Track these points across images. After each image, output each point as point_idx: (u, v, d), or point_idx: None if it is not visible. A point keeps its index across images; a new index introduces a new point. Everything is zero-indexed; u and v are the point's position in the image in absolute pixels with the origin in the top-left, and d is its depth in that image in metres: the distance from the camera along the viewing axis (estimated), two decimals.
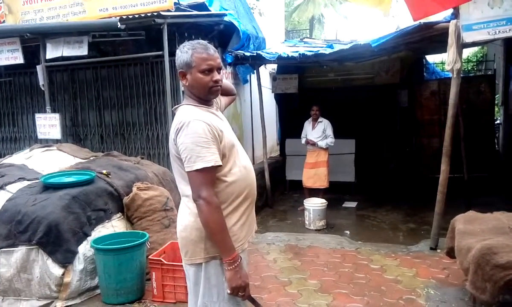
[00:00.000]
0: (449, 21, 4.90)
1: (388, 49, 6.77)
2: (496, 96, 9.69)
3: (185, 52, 2.05)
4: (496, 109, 10.31)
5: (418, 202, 7.52)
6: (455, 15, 4.41)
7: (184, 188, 2.05)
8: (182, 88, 6.53)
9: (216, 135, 1.99)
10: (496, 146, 9.91)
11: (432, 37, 5.96)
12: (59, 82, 7.09)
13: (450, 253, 3.68)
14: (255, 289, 3.75)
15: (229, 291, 1.96)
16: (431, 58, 10.76)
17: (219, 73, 2.10)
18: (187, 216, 2.05)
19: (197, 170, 1.90)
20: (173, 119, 2.21)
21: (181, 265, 3.51)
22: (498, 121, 10.39)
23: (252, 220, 2.21)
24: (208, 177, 1.94)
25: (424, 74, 9.82)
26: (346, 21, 31.97)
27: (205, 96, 2.10)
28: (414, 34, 5.74)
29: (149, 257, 3.79)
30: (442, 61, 11.74)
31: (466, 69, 11.43)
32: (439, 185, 4.69)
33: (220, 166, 1.98)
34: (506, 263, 2.84)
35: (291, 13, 25.61)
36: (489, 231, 3.29)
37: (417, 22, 5.32)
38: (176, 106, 2.16)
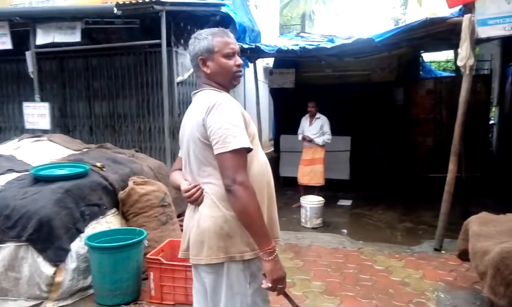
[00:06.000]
0: (458, 16, 4.80)
1: (389, 45, 6.64)
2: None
3: (204, 38, 1.93)
4: (493, 109, 10.33)
5: (413, 201, 7.44)
6: (468, 10, 4.29)
7: (207, 177, 1.86)
8: (185, 79, 6.33)
9: (246, 120, 1.87)
10: (490, 147, 9.92)
11: (435, 34, 5.86)
12: (47, 70, 6.81)
13: (462, 256, 3.57)
14: None
15: (269, 284, 1.78)
16: (426, 57, 10.71)
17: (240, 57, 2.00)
18: (204, 209, 1.86)
19: (232, 151, 1.73)
20: (188, 105, 2.05)
21: (181, 265, 3.39)
22: (492, 121, 10.39)
23: (273, 222, 2.00)
24: (243, 160, 1.78)
25: (420, 72, 9.75)
26: (337, 18, 31.88)
27: (229, 82, 1.98)
28: (419, 30, 5.61)
29: (147, 256, 3.60)
30: (439, 61, 11.77)
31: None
32: (446, 185, 4.58)
33: (252, 150, 1.82)
34: None
35: (282, 8, 25.42)
36: (505, 234, 3.17)
37: (423, 18, 5.21)
38: (196, 91, 2.00)
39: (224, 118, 1.76)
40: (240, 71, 1.99)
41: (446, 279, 3.89)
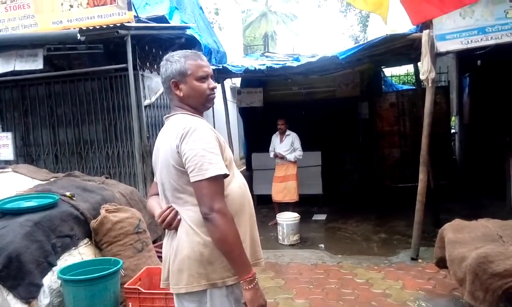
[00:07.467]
0: (416, 32, 5.01)
1: (352, 62, 6.83)
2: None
3: (176, 61, 1.90)
4: (453, 119, 10.75)
5: (384, 211, 7.60)
6: (426, 26, 4.48)
7: (183, 204, 1.82)
8: (153, 102, 6.25)
9: (221, 145, 1.84)
10: (453, 155, 10.29)
11: (395, 50, 6.08)
12: (7, 99, 6.56)
13: (439, 263, 3.63)
14: None
15: None
16: (387, 72, 11.08)
17: (213, 80, 1.98)
18: (182, 236, 1.81)
19: (209, 179, 1.69)
20: (160, 129, 2.00)
21: (161, 293, 3.28)
22: (453, 130, 10.81)
23: (255, 243, 1.96)
24: (221, 187, 1.75)
25: (383, 86, 10.06)
26: (298, 38, 32.72)
27: (202, 105, 1.95)
28: (380, 46, 5.80)
29: (124, 285, 3.46)
30: (399, 74, 12.18)
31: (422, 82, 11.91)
32: (417, 194, 4.69)
33: (228, 175, 1.79)
34: (503, 271, 2.80)
35: (245, 29, 25.81)
36: (479, 239, 3.26)
37: (384, 34, 5.40)
38: (169, 115, 1.96)
39: (199, 145, 1.73)
40: (214, 94, 1.96)
41: (425, 288, 3.96)
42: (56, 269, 3.47)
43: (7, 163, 5.50)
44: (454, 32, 4.27)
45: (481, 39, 4.18)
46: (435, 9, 3.99)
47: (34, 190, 4.20)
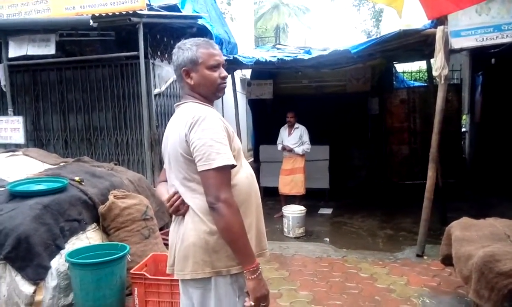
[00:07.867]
0: (430, 28, 4.95)
1: (364, 56, 6.76)
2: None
3: (188, 48, 1.89)
4: (464, 117, 10.64)
5: (391, 208, 7.57)
6: (441, 21, 4.43)
7: (190, 191, 1.83)
8: (163, 90, 6.27)
9: (230, 135, 1.84)
10: (463, 153, 10.20)
11: (408, 45, 6.01)
12: (19, 83, 6.62)
13: (445, 261, 3.62)
14: None
15: (252, 303, 1.74)
16: (399, 68, 10.97)
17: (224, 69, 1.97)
18: (189, 224, 1.83)
19: (216, 169, 1.70)
20: (169, 118, 2.01)
21: (167, 279, 3.32)
22: (463, 129, 10.71)
23: (261, 234, 1.97)
24: (227, 177, 1.75)
25: (394, 82, 9.98)
26: (310, 31, 32.54)
27: (213, 94, 1.94)
28: (393, 41, 5.74)
29: (131, 271, 3.50)
30: (411, 71, 12.07)
31: (434, 79, 11.78)
32: (425, 191, 4.67)
33: (235, 166, 1.79)
34: (510, 271, 2.79)
35: (257, 21, 25.73)
36: (486, 238, 3.25)
37: (397, 29, 5.35)
38: (179, 102, 1.96)
39: (207, 135, 1.73)
40: (225, 83, 1.96)
41: (430, 285, 3.95)
42: (64, 252, 3.52)
43: (17, 146, 5.56)
44: (469, 29, 4.21)
45: (497, 37, 4.11)
46: (452, 5, 3.93)
47: (44, 173, 4.25)
